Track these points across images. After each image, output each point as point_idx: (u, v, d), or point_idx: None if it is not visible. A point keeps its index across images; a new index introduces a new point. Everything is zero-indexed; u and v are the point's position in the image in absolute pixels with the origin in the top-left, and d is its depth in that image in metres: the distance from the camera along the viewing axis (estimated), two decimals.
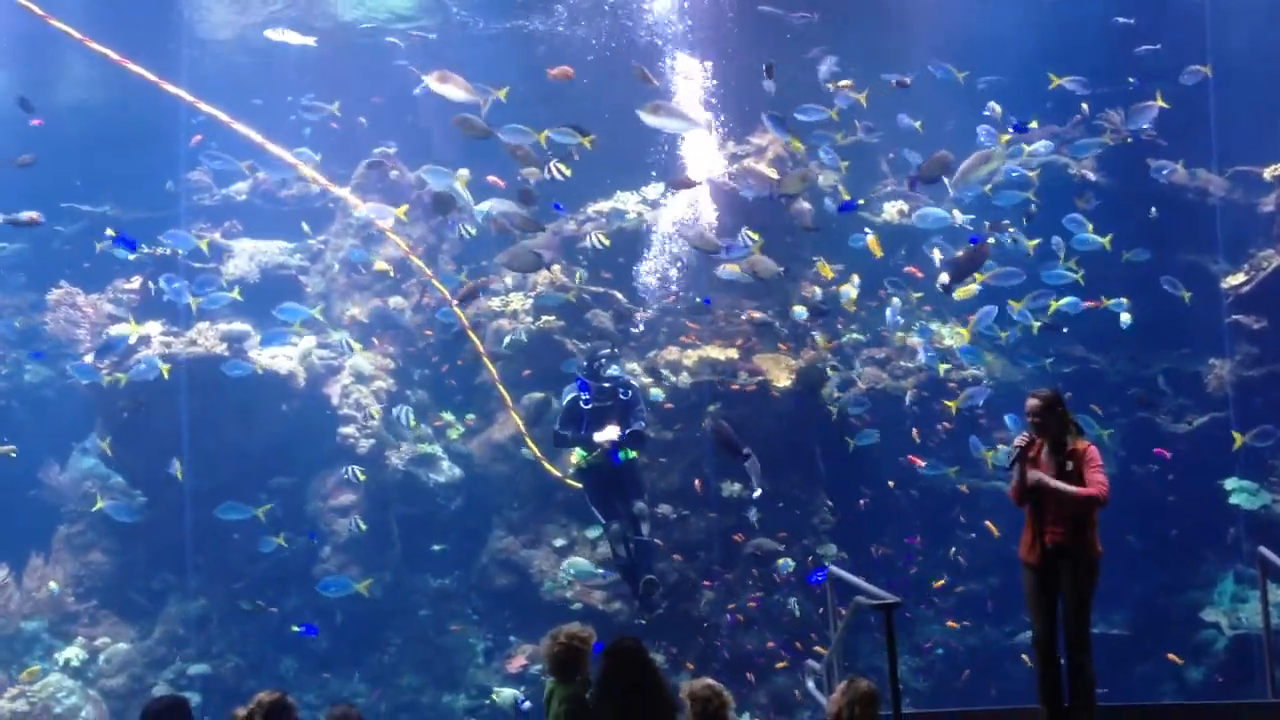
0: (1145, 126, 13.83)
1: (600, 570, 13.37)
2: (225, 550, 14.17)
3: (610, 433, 10.74)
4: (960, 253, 12.77)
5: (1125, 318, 13.55)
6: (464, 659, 14.07)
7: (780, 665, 13.00)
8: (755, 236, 11.81)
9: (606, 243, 12.58)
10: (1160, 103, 13.25)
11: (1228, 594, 13.79)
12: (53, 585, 14.00)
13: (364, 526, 13.62)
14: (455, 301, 13.39)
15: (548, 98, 13.47)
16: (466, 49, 16.24)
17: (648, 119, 10.56)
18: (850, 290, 13.81)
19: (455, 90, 11.12)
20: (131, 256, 14.04)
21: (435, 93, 11.11)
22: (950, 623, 13.94)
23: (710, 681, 6.08)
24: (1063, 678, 6.84)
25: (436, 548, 14.44)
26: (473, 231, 13.09)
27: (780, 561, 13.12)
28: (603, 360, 11.15)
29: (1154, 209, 14.51)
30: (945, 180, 12.24)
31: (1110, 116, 15.01)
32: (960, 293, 13.39)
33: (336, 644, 14.01)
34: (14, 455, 13.55)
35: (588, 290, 14.42)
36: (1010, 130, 13.07)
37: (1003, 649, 13.95)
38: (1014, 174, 13.44)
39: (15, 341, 16.22)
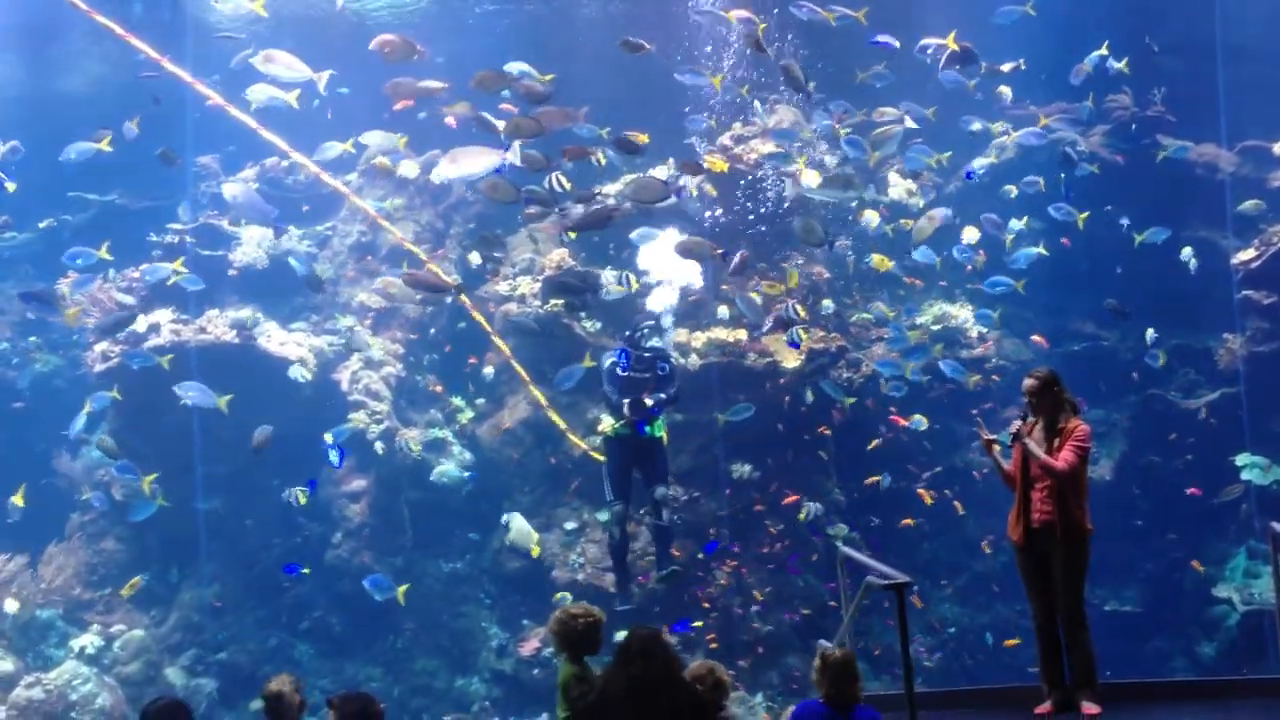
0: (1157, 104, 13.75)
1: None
2: (239, 535, 14.30)
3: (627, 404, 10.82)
4: None
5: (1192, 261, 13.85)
6: (477, 643, 14.12)
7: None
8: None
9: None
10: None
11: (1239, 570, 13.78)
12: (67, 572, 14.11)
13: None
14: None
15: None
16: (467, 32, 16.23)
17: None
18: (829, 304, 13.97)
19: (284, 69, 10.84)
20: None
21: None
22: (915, 600, 13.81)
23: (709, 663, 6.09)
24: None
25: (473, 536, 14.51)
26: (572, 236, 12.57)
27: (803, 512, 12.92)
28: (645, 330, 11.16)
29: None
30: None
31: (1121, 99, 14.98)
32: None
33: (350, 629, 14.08)
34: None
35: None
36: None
37: (1013, 628, 13.94)
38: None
39: (25, 331, 16.27)
